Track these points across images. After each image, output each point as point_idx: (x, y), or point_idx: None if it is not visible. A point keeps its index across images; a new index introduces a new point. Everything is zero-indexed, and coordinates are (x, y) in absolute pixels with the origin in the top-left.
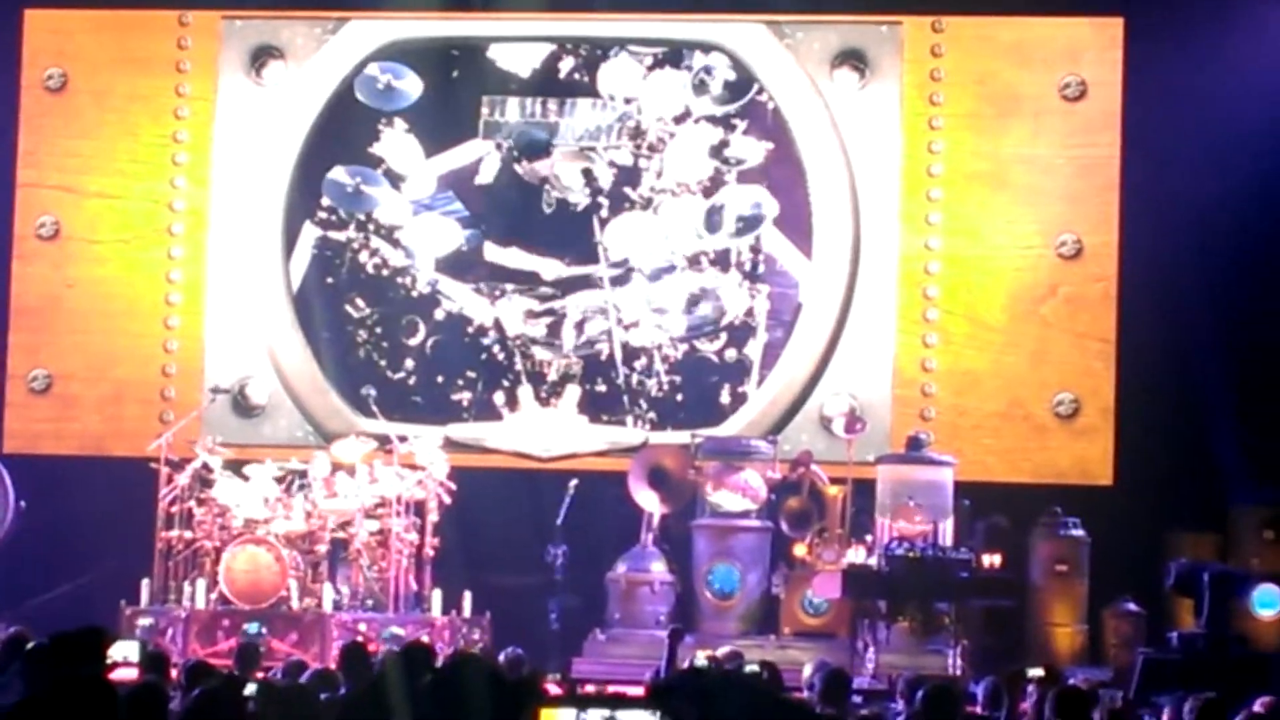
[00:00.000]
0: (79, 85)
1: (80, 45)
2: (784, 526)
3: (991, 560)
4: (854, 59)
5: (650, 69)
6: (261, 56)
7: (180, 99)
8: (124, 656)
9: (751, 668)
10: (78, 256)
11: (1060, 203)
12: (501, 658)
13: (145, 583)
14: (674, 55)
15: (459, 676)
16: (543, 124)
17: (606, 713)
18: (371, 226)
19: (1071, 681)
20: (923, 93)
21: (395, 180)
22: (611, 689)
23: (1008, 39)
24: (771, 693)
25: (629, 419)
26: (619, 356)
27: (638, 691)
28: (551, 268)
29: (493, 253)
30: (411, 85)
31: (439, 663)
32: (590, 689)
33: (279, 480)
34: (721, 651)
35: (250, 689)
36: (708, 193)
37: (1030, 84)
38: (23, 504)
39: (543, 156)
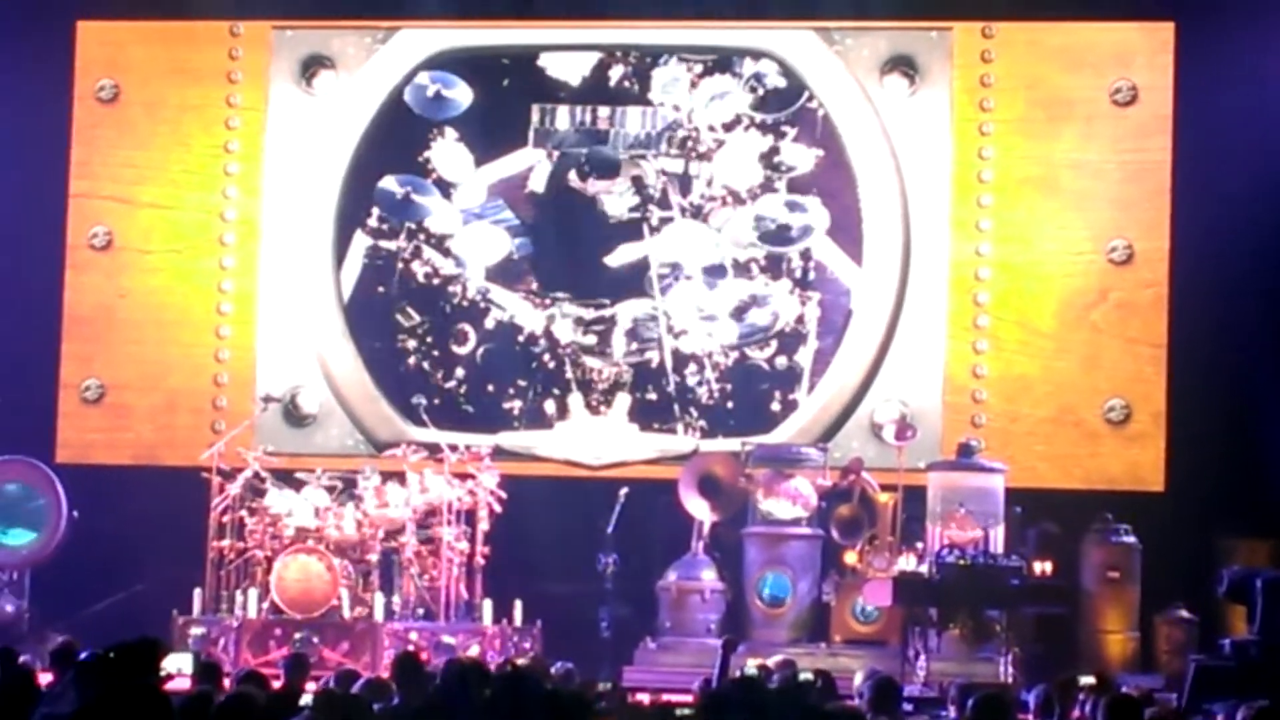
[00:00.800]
0: (131, 96)
1: (132, 56)
2: (835, 534)
3: (1043, 567)
4: (904, 65)
5: (700, 76)
6: (312, 66)
7: (231, 109)
8: (178, 669)
9: (806, 676)
10: (130, 266)
11: (1111, 208)
12: (554, 671)
13: (197, 592)
14: (724, 62)
15: (514, 692)
16: (595, 132)
17: None
18: (422, 235)
19: (1124, 689)
20: (973, 98)
21: (446, 189)
22: (663, 698)
23: (1058, 44)
24: (821, 704)
25: (679, 427)
26: (669, 364)
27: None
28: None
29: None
30: (462, 94)
31: (493, 677)
32: (642, 698)
33: (330, 489)
34: (774, 660)
35: (306, 699)
36: (757, 200)
37: (1081, 89)
38: (75, 514)
39: (613, 175)
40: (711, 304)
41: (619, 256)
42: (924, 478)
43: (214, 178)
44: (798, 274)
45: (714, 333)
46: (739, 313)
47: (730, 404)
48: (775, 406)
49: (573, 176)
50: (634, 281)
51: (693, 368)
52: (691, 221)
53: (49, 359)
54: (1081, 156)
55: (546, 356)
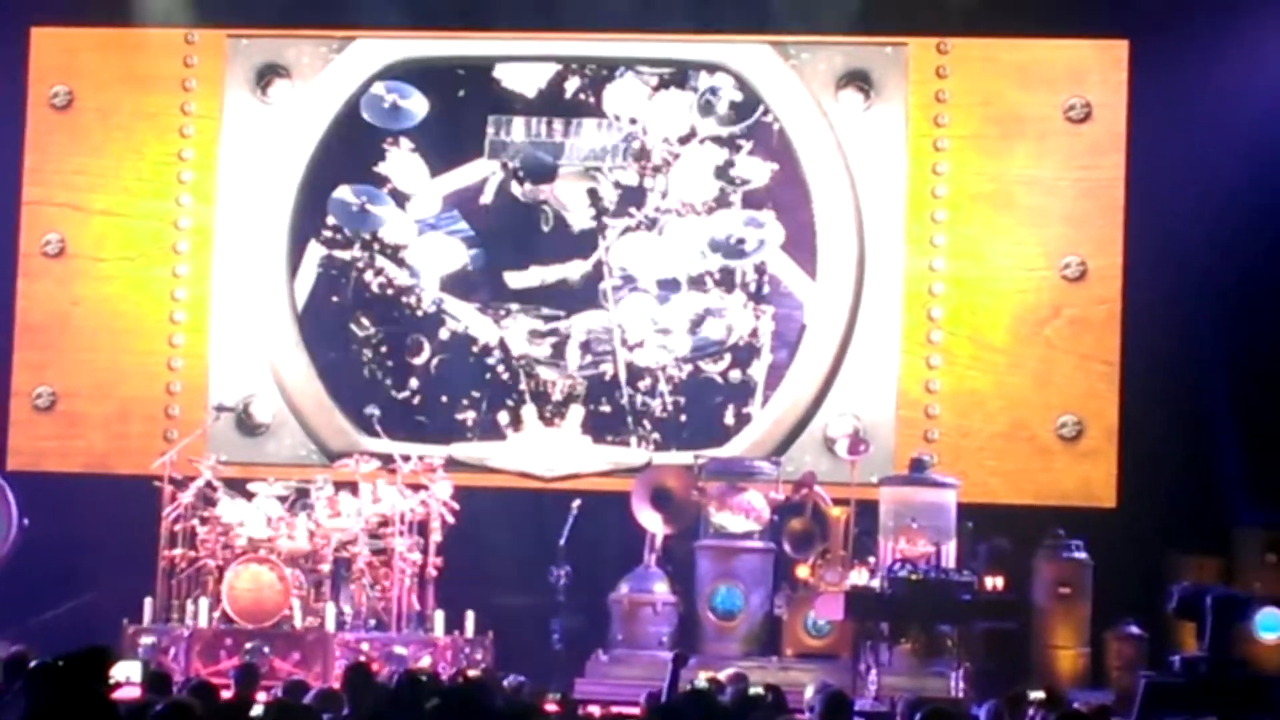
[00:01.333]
0: (85, 103)
1: (86, 63)
2: (787, 548)
3: (994, 582)
4: (859, 80)
5: (655, 89)
6: (267, 75)
7: (186, 117)
8: (126, 676)
9: (756, 690)
10: (83, 274)
11: (1064, 224)
12: (505, 684)
13: (148, 601)
14: (680, 76)
15: (462, 705)
16: (549, 145)
17: None
18: (377, 246)
19: (1074, 705)
20: (927, 114)
21: (401, 199)
22: (613, 710)
23: (1012, 60)
24: (772, 719)
25: (633, 439)
26: (623, 377)
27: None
28: (556, 282)
29: (511, 276)
30: (417, 104)
31: (442, 687)
32: (593, 710)
33: (282, 499)
34: (726, 674)
35: (256, 710)
36: (712, 213)
37: (1035, 105)
38: (26, 521)
39: (548, 180)
40: (665, 317)
41: (569, 270)
42: (876, 492)
43: (168, 185)
44: (752, 288)
45: (668, 345)
46: (693, 326)
47: (683, 417)
48: (729, 420)
49: (513, 185)
50: (588, 294)
51: (646, 380)
52: (646, 234)
53: (1, 366)
54: (1035, 173)
55: (500, 368)
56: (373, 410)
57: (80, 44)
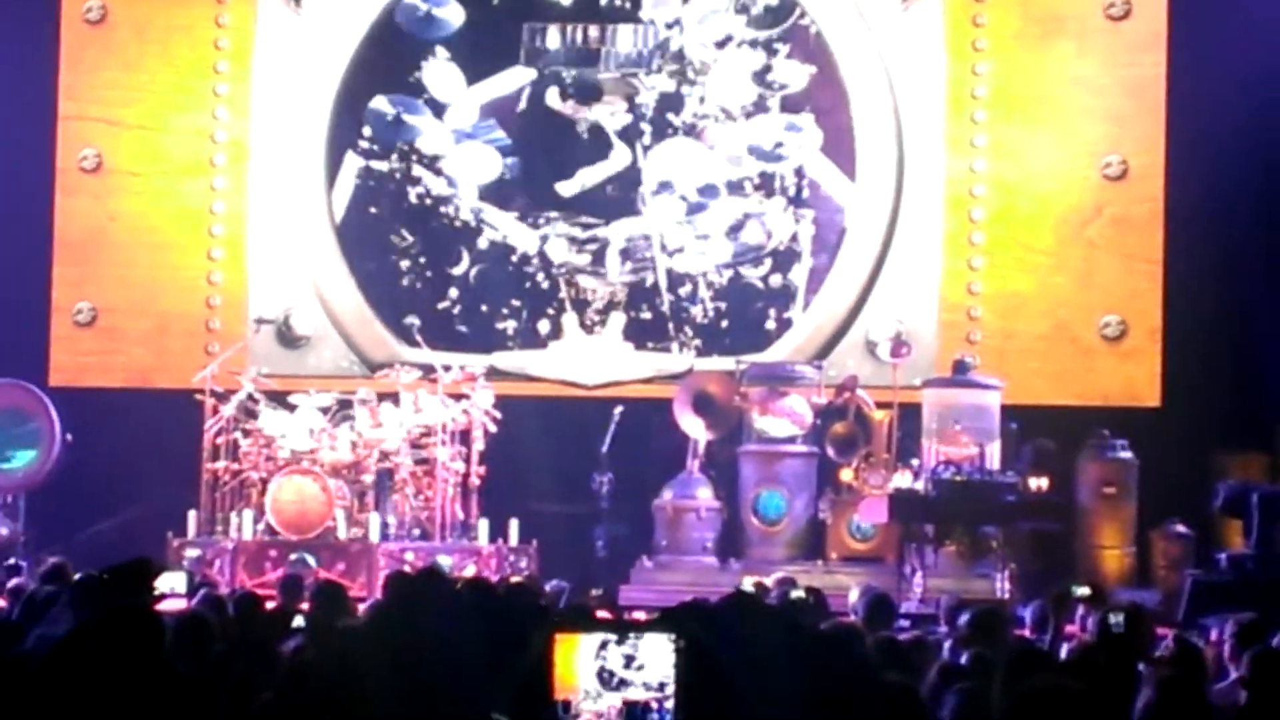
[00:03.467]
0: (118, 17)
1: None
2: (830, 452)
3: (1039, 483)
4: None
5: None
6: None
7: (220, 29)
8: (171, 587)
9: (798, 594)
10: (120, 189)
11: (1106, 123)
12: (549, 588)
13: (192, 514)
14: None
15: (475, 595)
16: (586, 52)
17: (624, 639)
18: (414, 156)
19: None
20: (967, 14)
21: (438, 109)
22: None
23: None
24: (814, 623)
25: (674, 346)
26: (664, 284)
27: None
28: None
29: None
30: (452, 13)
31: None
32: (639, 615)
33: (324, 411)
34: (773, 578)
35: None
36: (750, 118)
37: (1074, 3)
38: (69, 436)
39: (596, 99)
40: (705, 223)
41: (598, 173)
42: (919, 395)
43: (203, 99)
44: (791, 192)
45: (707, 251)
46: (732, 231)
47: (725, 323)
48: (770, 325)
49: (552, 96)
50: (626, 201)
51: (687, 286)
52: (684, 140)
53: (40, 283)
54: (1076, 72)
55: (540, 276)
56: (413, 320)
57: None
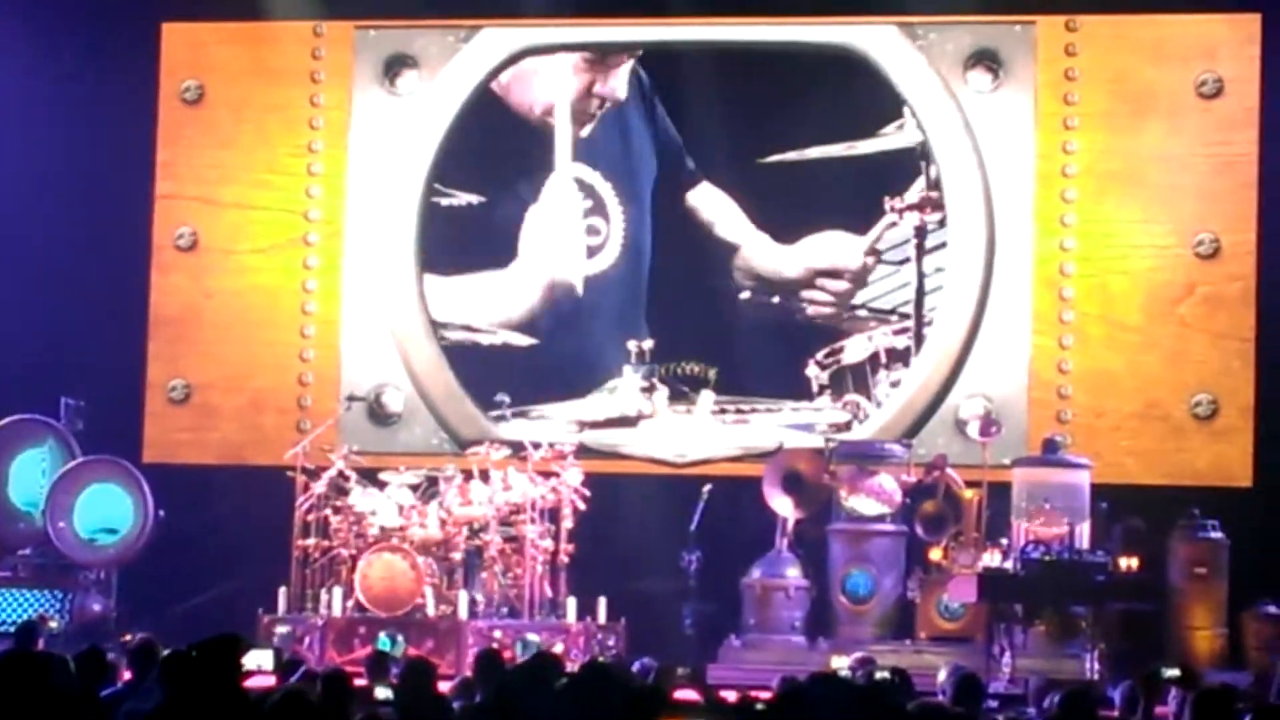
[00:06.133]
0: (215, 97)
1: (216, 57)
2: (919, 530)
3: (1129, 563)
4: (988, 59)
5: None
6: (395, 66)
7: (315, 109)
8: (259, 664)
9: (881, 674)
10: (215, 267)
11: (1197, 201)
12: (635, 667)
13: (282, 591)
14: None
15: (588, 685)
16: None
17: None
18: None
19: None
20: (1057, 92)
21: None
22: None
23: (1143, 37)
24: (903, 703)
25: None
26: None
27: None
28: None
29: None
30: None
31: (568, 671)
32: (727, 694)
33: (413, 488)
34: (854, 657)
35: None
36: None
37: (1166, 82)
38: (162, 513)
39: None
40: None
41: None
42: (1009, 474)
43: (298, 177)
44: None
45: None
46: None
47: None
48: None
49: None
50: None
51: None
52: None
53: (136, 359)
54: (1167, 150)
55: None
56: (503, 397)
57: (210, 38)
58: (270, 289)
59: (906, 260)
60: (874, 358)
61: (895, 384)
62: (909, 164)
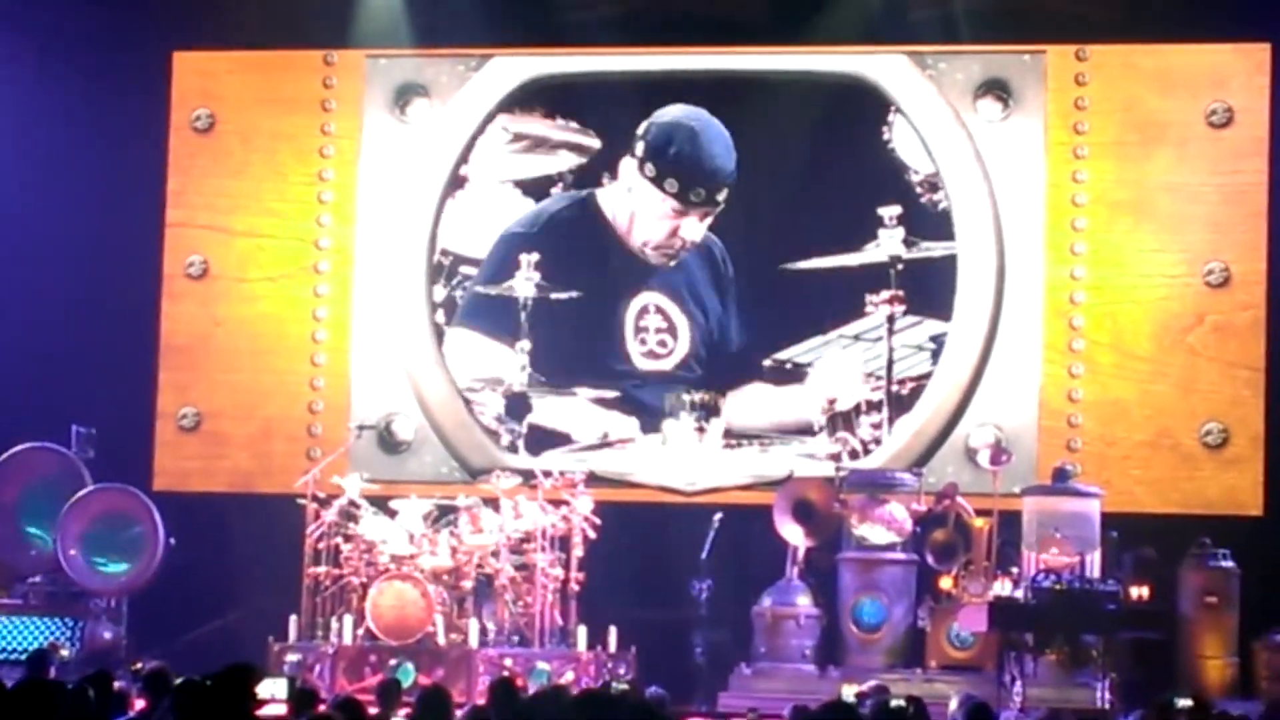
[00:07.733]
0: (226, 125)
1: (227, 86)
2: (929, 559)
3: (1140, 592)
4: (998, 89)
5: None
6: (406, 94)
7: (326, 138)
8: (271, 694)
9: (897, 702)
10: (226, 295)
11: (1207, 230)
12: (645, 695)
13: (293, 619)
14: None
15: (597, 708)
16: None
17: None
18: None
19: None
20: (1067, 121)
21: None
22: None
23: (1152, 66)
24: None
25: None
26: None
27: None
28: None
29: None
30: None
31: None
32: None
33: (424, 516)
34: (867, 686)
35: None
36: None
37: (1175, 111)
38: (173, 541)
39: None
40: None
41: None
42: (1019, 502)
43: (308, 206)
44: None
45: None
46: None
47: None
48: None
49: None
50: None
51: None
52: None
53: (146, 387)
54: (1177, 179)
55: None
56: (513, 426)
57: (221, 67)
58: (280, 317)
59: (880, 339)
60: (856, 406)
61: (876, 425)
62: (883, 273)
